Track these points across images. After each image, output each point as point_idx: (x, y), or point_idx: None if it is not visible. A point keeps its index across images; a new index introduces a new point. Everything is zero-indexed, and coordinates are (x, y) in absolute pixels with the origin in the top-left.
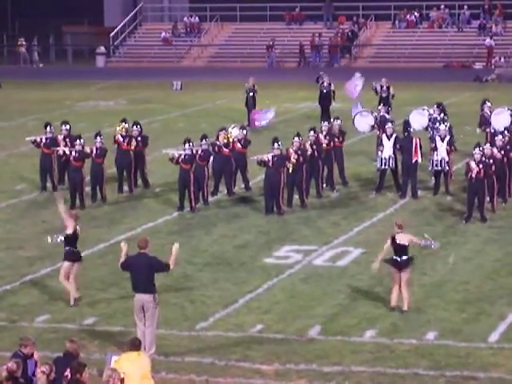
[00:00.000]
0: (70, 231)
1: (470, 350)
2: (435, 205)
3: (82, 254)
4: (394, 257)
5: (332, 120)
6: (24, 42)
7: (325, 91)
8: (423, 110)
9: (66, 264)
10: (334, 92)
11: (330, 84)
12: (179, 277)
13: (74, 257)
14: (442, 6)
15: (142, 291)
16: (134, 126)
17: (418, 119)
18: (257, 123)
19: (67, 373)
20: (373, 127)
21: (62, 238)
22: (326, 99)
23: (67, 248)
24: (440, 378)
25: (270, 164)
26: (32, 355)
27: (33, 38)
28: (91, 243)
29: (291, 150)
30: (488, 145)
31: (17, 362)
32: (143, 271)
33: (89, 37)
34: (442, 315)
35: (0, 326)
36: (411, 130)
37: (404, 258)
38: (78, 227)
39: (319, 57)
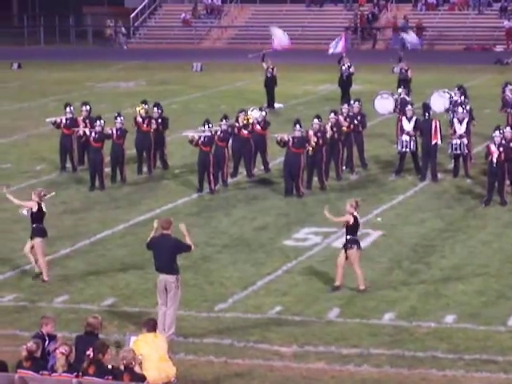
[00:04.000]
0: (34, 209)
1: (489, 334)
2: (455, 188)
3: (102, 235)
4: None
5: (352, 102)
6: (111, 24)
7: (345, 73)
8: (444, 92)
9: (39, 240)
10: (353, 74)
11: (350, 66)
12: (198, 258)
13: (43, 233)
14: None
15: (165, 272)
16: (155, 108)
17: (439, 102)
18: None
19: (89, 352)
20: (393, 110)
21: (25, 213)
22: (346, 81)
23: (34, 225)
24: (459, 361)
25: (290, 144)
26: (53, 336)
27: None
28: (111, 224)
29: (311, 132)
30: (508, 128)
31: (36, 343)
32: (166, 252)
33: (109, 18)
34: (461, 298)
35: (19, 306)
36: (431, 112)
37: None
38: (43, 204)
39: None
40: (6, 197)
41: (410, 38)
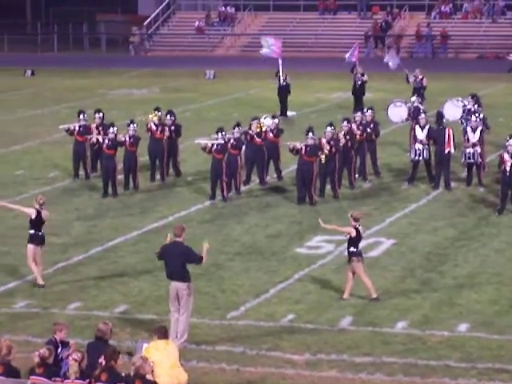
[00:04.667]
0: (33, 216)
1: (502, 343)
2: (468, 196)
3: (115, 242)
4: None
5: (365, 110)
6: (137, 32)
7: (359, 82)
8: (458, 101)
9: (31, 247)
10: (366, 82)
11: (363, 74)
12: (210, 266)
13: (38, 240)
14: None
15: (176, 279)
16: (168, 115)
17: (453, 110)
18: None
19: (101, 360)
20: (406, 118)
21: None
22: (359, 89)
23: (32, 232)
24: (472, 370)
25: (303, 152)
26: (65, 342)
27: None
28: (124, 231)
29: (324, 140)
30: None
31: (49, 349)
32: (178, 259)
33: (122, 25)
34: (474, 307)
35: (32, 312)
36: (444, 120)
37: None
38: (44, 212)
39: (428, 47)
40: (3, 205)
41: (390, 57)
